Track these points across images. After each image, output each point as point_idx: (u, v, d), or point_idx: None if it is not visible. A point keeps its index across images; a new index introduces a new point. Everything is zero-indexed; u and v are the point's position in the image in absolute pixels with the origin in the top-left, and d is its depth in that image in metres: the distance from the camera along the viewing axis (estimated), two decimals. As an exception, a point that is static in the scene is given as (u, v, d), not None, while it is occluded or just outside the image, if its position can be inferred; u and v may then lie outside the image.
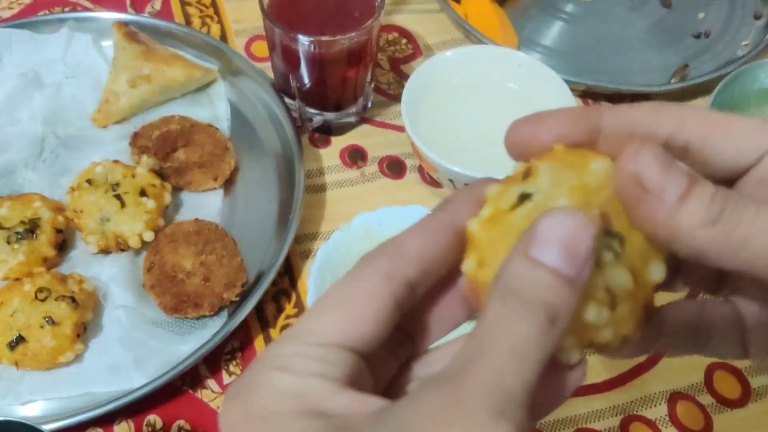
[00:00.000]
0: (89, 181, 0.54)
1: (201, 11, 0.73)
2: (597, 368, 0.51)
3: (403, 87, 0.58)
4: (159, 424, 0.48)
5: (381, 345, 0.23)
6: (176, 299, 0.50)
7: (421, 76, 0.59)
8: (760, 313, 0.26)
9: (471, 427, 0.18)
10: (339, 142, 0.64)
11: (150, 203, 0.53)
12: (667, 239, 0.21)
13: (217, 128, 0.61)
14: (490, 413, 0.18)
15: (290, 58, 0.58)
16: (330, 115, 0.63)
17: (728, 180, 0.24)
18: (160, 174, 0.57)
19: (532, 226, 0.20)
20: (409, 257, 0.23)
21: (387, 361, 0.25)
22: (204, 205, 0.58)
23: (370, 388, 0.23)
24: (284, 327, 0.53)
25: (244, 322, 0.51)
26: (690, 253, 0.21)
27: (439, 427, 0.18)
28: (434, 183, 0.61)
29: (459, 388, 0.19)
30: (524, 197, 0.22)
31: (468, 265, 0.23)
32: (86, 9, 0.72)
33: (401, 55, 0.71)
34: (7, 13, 0.72)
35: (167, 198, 0.55)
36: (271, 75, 0.64)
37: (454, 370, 0.19)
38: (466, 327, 0.23)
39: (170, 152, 0.58)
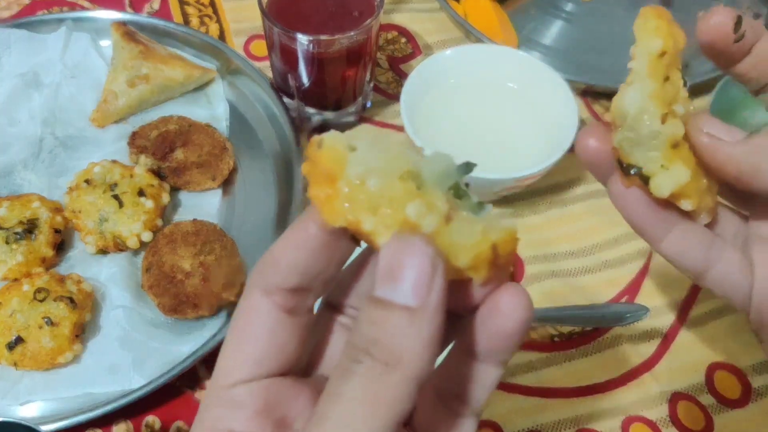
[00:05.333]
0: (87, 182, 0.54)
1: (199, 11, 0.73)
2: (597, 368, 0.51)
3: (402, 86, 0.57)
4: (158, 424, 0.48)
5: (306, 343, 0.23)
6: (175, 300, 0.50)
7: (420, 75, 0.58)
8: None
9: None
10: (338, 142, 0.64)
11: (148, 203, 0.53)
12: (743, 174, 0.27)
13: (215, 128, 0.61)
14: None
15: (289, 57, 0.57)
16: (329, 115, 0.63)
17: None
18: (159, 174, 0.57)
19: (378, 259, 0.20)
20: (282, 268, 0.23)
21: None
22: (202, 205, 0.58)
23: (312, 389, 0.24)
24: (283, 327, 0.53)
25: (243, 323, 0.51)
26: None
27: None
28: (434, 183, 0.61)
29: None
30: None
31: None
32: (85, 9, 0.72)
33: (400, 54, 0.71)
34: (5, 13, 0.72)
35: (165, 198, 0.55)
36: (270, 74, 0.64)
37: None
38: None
39: (168, 152, 0.58)
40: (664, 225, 0.30)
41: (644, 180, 0.28)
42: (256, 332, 0.23)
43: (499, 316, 0.21)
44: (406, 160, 0.20)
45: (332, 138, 0.20)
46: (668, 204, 0.29)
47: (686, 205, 0.28)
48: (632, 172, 0.28)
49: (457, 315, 0.23)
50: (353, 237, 0.22)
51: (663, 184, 0.27)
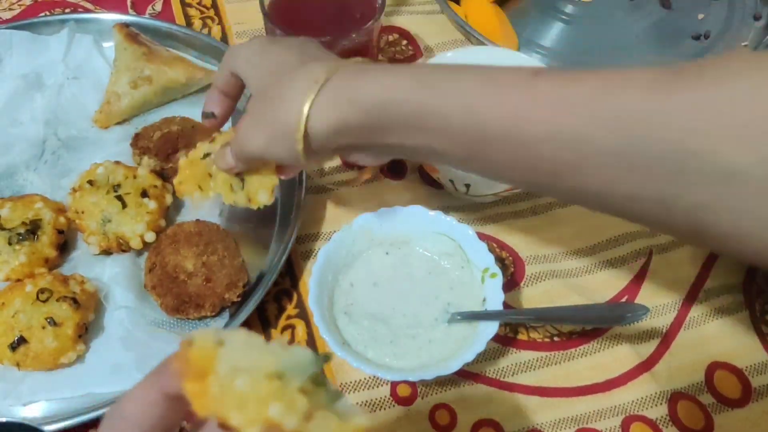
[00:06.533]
0: (90, 182, 0.54)
1: (202, 12, 0.73)
2: (598, 368, 0.52)
3: (403, 88, 0.58)
4: (160, 424, 0.48)
5: None
6: (178, 300, 0.50)
7: (421, 77, 0.59)
8: None
9: None
10: (340, 143, 0.64)
11: (151, 204, 0.54)
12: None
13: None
14: None
15: (291, 59, 0.58)
16: (331, 116, 0.63)
17: None
18: (162, 175, 0.57)
19: None
20: (129, 423, 0.25)
21: None
22: (205, 205, 0.58)
23: None
24: (285, 327, 0.53)
25: (246, 323, 0.51)
26: None
27: None
28: (435, 183, 0.61)
29: None
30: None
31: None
32: (87, 10, 0.72)
33: (402, 57, 0.71)
34: (8, 15, 0.72)
35: (168, 199, 0.56)
36: (272, 76, 0.64)
37: None
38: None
39: (171, 153, 0.59)
40: None
41: None
42: None
43: None
44: (272, 358, 0.22)
45: (202, 335, 0.22)
46: None
47: None
48: None
49: None
50: (221, 424, 0.22)
51: None
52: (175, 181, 0.48)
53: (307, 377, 0.22)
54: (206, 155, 0.47)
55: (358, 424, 0.22)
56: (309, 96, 0.36)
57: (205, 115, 0.47)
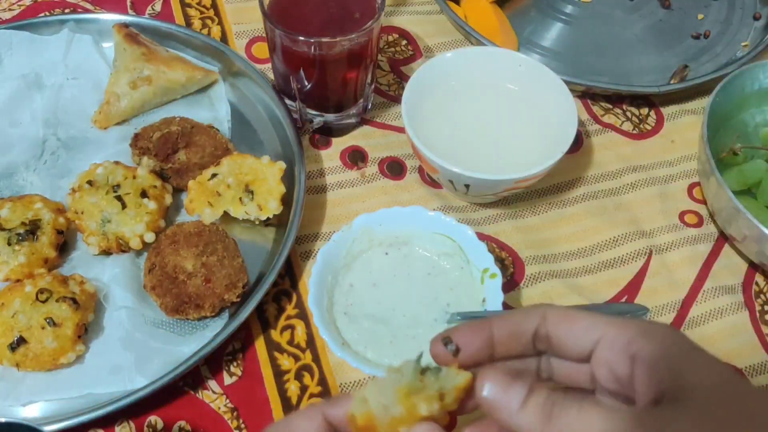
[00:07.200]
0: (90, 183, 0.54)
1: (201, 13, 0.73)
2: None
3: (403, 88, 0.58)
4: (160, 424, 0.48)
5: None
6: (177, 300, 0.50)
7: (421, 77, 0.59)
8: None
9: None
10: (339, 144, 0.64)
11: (151, 204, 0.54)
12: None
13: (217, 129, 0.61)
14: None
15: (291, 59, 0.58)
16: (330, 117, 0.63)
17: (585, 357, 0.32)
18: (161, 175, 0.57)
19: None
20: None
21: None
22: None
23: None
24: (285, 328, 0.53)
25: (245, 323, 0.51)
26: None
27: None
28: (434, 184, 0.61)
29: None
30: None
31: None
32: (87, 10, 0.72)
33: (401, 57, 0.71)
34: (7, 15, 0.72)
35: (168, 199, 0.56)
36: (272, 76, 0.64)
37: None
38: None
39: (171, 153, 0.59)
40: None
41: None
42: None
43: None
44: (399, 384, 0.30)
45: (358, 405, 0.30)
46: None
47: None
48: None
49: None
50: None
51: None
52: (186, 200, 0.50)
53: (418, 374, 0.31)
54: (213, 176, 0.53)
55: (466, 379, 0.31)
56: None
57: (444, 341, 0.33)
